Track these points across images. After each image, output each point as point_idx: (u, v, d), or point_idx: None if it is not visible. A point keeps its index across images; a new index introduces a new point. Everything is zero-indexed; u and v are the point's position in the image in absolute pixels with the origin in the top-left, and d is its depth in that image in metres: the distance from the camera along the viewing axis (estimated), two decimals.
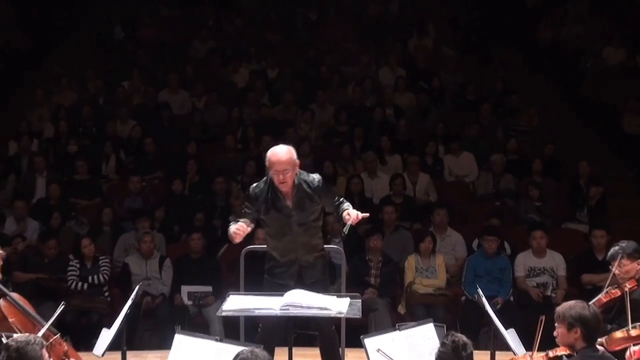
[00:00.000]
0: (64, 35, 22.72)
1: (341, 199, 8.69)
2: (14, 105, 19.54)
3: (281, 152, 8.34)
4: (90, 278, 12.83)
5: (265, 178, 8.57)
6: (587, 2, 22.07)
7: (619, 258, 8.43)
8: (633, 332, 7.67)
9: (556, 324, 7.02)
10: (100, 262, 13.01)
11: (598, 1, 21.96)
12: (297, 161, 8.41)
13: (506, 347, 8.02)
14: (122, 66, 19.91)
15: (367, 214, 8.46)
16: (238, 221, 8.46)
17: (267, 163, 8.42)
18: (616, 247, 8.54)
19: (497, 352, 8.19)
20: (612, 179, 16.72)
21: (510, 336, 7.96)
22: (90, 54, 21.04)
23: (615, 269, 8.42)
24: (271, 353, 7.14)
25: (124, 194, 15.43)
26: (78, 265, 12.90)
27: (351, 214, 8.21)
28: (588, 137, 18.40)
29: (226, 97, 18.74)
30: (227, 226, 8.71)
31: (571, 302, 7.10)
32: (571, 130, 18.44)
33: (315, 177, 8.58)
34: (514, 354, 7.70)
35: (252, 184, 8.57)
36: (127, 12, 22.34)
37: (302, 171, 8.55)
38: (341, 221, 8.42)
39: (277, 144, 8.46)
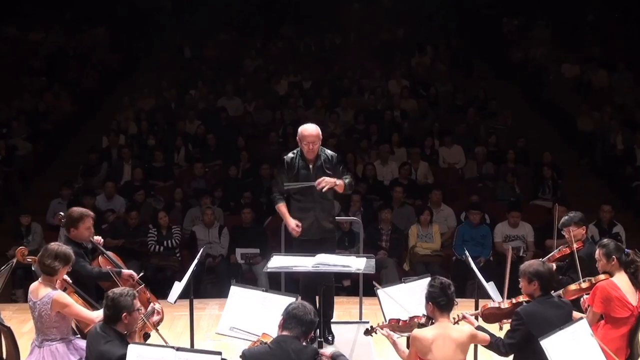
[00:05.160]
0: (145, 55, 22.74)
1: (346, 171, 8.57)
2: (106, 109, 19.53)
3: (311, 128, 8.32)
4: (165, 242, 12.86)
5: (295, 150, 8.48)
6: (549, 29, 21.99)
7: (569, 225, 8.44)
8: (584, 285, 7.70)
9: (520, 279, 6.97)
10: (173, 230, 13.02)
11: (558, 29, 21.89)
12: (321, 136, 8.36)
13: (487, 296, 7.98)
14: (189, 78, 19.88)
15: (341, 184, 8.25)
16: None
17: (298, 136, 8.36)
18: (566, 217, 8.55)
19: (480, 300, 8.23)
20: (568, 165, 16.72)
21: (490, 287, 7.97)
22: (165, 69, 21.02)
23: (566, 234, 8.42)
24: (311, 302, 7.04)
25: (191, 177, 15.41)
26: (156, 233, 12.92)
27: (327, 181, 8.10)
28: (550, 134, 18.33)
29: (270, 102, 18.67)
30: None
31: (530, 261, 7.10)
32: (537, 128, 18.38)
33: (334, 154, 8.51)
34: (493, 301, 7.64)
35: None
36: (194, 37, 22.30)
37: (324, 147, 8.49)
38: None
39: None
